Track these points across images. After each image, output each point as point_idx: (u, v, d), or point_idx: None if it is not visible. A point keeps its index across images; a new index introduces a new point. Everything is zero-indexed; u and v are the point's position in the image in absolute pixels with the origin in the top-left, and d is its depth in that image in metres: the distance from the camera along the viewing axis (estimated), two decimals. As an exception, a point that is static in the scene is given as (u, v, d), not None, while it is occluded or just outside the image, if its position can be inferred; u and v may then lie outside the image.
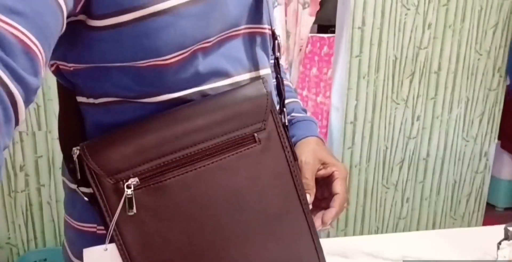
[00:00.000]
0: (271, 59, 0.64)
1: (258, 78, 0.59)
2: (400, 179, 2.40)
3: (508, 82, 2.38)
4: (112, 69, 0.51)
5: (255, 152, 0.55)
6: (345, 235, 2.41)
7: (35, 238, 2.05)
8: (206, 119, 0.53)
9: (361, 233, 2.41)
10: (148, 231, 0.52)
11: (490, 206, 2.83)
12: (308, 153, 0.67)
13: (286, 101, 0.73)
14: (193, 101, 0.54)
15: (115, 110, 0.54)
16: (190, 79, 0.53)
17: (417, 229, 2.49)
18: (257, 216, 0.56)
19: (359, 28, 2.13)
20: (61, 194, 2.06)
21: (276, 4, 2.09)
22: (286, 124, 0.62)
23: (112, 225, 0.51)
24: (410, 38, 2.20)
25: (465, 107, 2.38)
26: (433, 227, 2.51)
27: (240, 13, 0.55)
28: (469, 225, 2.56)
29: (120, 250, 0.51)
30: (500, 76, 2.38)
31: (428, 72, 2.27)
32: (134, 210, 0.50)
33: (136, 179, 0.50)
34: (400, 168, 2.38)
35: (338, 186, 0.66)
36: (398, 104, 2.28)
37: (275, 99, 0.63)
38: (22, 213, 2.01)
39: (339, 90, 2.26)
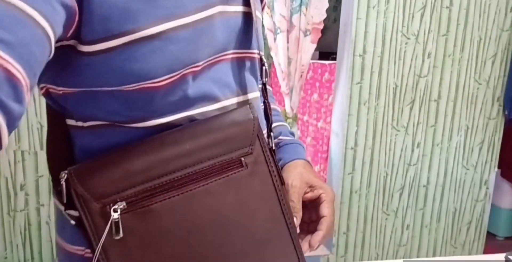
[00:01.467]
0: (260, 84, 0.65)
1: (246, 102, 0.59)
2: (400, 205, 2.39)
3: (506, 112, 2.41)
4: (100, 93, 0.50)
5: (242, 176, 0.55)
6: (345, 261, 2.39)
7: (32, 258, 2.03)
8: (194, 144, 0.53)
9: (361, 260, 2.38)
10: (134, 256, 0.52)
11: (490, 235, 2.81)
12: (295, 176, 0.67)
13: (274, 124, 0.73)
14: (181, 125, 0.54)
15: (104, 133, 0.53)
16: (179, 102, 0.53)
17: (418, 257, 2.46)
18: (244, 241, 0.56)
19: (360, 55, 2.18)
20: (61, 214, 2.04)
21: (278, 31, 2.14)
22: (273, 148, 0.62)
23: (98, 249, 0.50)
24: (410, 66, 2.25)
25: (465, 135, 2.40)
26: (434, 255, 2.49)
27: (228, 39, 0.56)
28: (469, 254, 2.53)
29: None
30: (500, 105, 2.40)
31: (428, 100, 2.30)
32: (121, 234, 0.50)
33: (124, 203, 0.50)
34: (400, 194, 2.38)
35: (325, 209, 0.66)
36: (399, 131, 2.30)
37: (263, 123, 0.63)
38: (21, 233, 2.00)
39: (340, 116, 2.29)
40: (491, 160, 2.47)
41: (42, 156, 1.96)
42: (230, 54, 0.58)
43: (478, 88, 2.36)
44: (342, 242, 2.36)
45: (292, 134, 0.78)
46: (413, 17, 2.19)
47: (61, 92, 0.52)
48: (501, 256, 1.07)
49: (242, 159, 0.55)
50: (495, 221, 2.80)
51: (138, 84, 0.49)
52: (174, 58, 0.50)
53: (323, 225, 0.65)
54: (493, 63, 2.35)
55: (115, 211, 0.49)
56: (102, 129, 0.53)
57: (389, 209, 2.38)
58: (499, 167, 2.55)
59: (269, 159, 0.58)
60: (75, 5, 0.44)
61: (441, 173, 2.41)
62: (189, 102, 0.54)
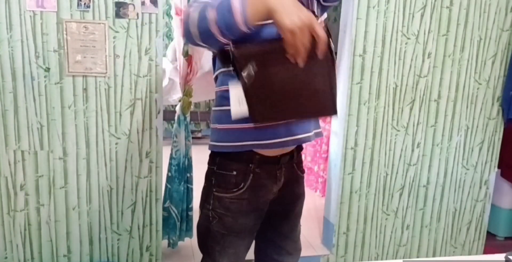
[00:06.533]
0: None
1: None
2: (400, 205, 2.39)
3: (505, 112, 2.41)
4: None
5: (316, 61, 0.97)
6: (345, 261, 2.39)
7: (32, 258, 2.04)
8: None
9: (361, 260, 2.39)
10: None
11: (490, 235, 2.81)
12: None
13: None
14: None
15: None
16: None
17: (418, 257, 2.47)
18: (311, 85, 1.02)
19: (360, 55, 2.18)
20: (60, 214, 2.06)
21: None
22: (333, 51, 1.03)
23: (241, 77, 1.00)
24: (410, 66, 2.25)
25: (465, 135, 2.40)
26: (434, 255, 2.49)
27: None
28: (469, 254, 2.53)
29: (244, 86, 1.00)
30: (500, 105, 2.41)
31: (428, 100, 2.30)
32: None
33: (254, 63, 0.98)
34: (400, 194, 2.38)
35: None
36: (399, 131, 2.30)
37: None
38: (20, 233, 2.00)
39: (340, 116, 2.29)
40: (491, 160, 2.47)
41: (42, 156, 1.96)
42: None
43: (478, 88, 2.36)
44: (342, 242, 2.36)
45: None
46: (413, 17, 2.19)
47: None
48: (501, 256, 1.07)
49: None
50: (495, 221, 2.80)
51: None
52: None
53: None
54: (493, 63, 2.35)
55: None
56: None
57: (389, 209, 2.38)
58: (499, 167, 2.55)
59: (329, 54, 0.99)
60: None
61: (441, 173, 2.41)
62: None
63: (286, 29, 0.87)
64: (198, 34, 0.99)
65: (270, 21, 0.91)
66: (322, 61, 0.98)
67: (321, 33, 0.89)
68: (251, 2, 0.91)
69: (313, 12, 0.99)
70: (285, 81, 1.00)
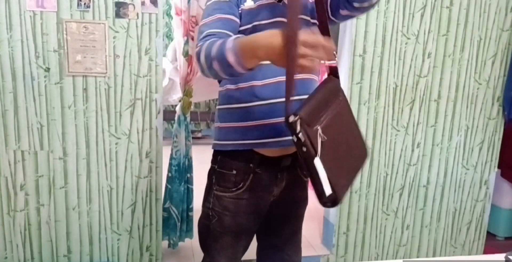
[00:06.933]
0: None
1: None
2: (400, 205, 2.39)
3: (506, 112, 2.41)
4: None
5: (342, 100, 1.12)
6: (345, 261, 2.39)
7: (32, 258, 2.04)
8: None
9: (361, 260, 2.39)
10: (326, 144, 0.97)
11: (490, 235, 2.80)
12: None
13: None
14: None
15: None
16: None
17: (418, 257, 2.47)
18: (349, 128, 1.13)
19: (360, 55, 2.18)
20: (60, 214, 2.05)
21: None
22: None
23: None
24: (410, 66, 2.25)
25: (465, 135, 2.40)
26: (434, 255, 2.49)
27: None
28: (469, 254, 2.53)
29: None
30: (500, 105, 2.40)
31: (428, 100, 2.30)
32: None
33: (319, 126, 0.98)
34: (400, 194, 2.38)
35: None
36: (399, 131, 2.30)
37: None
38: (20, 233, 2.00)
39: (340, 116, 2.28)
40: (491, 160, 2.47)
41: (42, 156, 1.96)
42: None
43: (478, 88, 2.36)
44: (342, 242, 2.36)
45: None
46: (413, 17, 2.19)
47: None
48: (501, 256, 1.07)
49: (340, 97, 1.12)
50: (495, 221, 2.80)
51: None
52: None
53: None
54: (493, 63, 2.35)
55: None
56: None
57: (389, 209, 2.38)
58: (499, 167, 2.55)
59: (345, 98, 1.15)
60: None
61: (441, 173, 2.41)
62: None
63: (284, 66, 0.89)
64: (214, 77, 1.06)
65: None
66: (343, 103, 1.10)
67: (308, 37, 0.85)
68: (243, 55, 0.92)
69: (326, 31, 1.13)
70: (343, 136, 1.07)
